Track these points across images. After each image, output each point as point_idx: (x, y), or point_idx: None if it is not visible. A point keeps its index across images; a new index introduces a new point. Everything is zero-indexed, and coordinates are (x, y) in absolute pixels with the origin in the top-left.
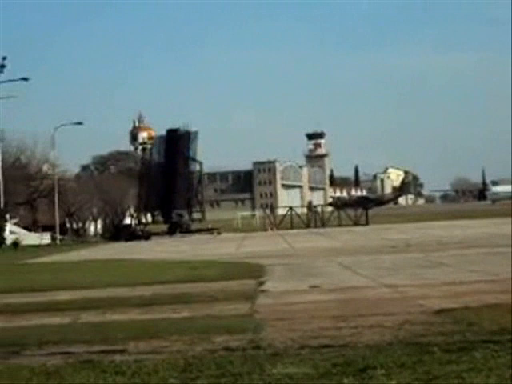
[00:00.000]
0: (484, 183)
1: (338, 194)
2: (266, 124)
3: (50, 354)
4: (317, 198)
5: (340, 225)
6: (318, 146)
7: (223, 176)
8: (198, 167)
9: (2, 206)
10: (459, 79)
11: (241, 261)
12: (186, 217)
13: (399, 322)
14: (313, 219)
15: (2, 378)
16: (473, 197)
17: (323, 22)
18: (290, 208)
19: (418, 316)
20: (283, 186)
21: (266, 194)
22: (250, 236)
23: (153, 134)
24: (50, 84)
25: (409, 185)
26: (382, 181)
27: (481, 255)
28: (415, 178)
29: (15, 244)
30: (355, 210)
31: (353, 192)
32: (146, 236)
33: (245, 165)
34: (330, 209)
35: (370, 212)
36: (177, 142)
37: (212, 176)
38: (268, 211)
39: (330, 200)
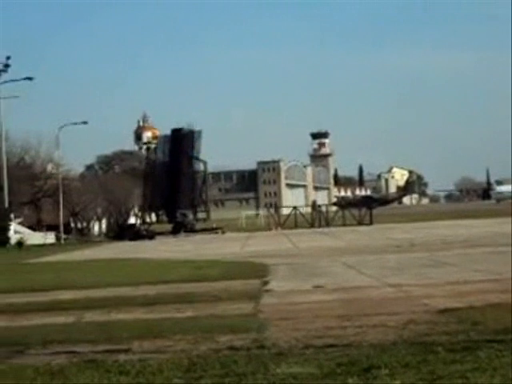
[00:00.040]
0: (488, 183)
1: (342, 193)
2: (271, 123)
3: (54, 354)
4: (321, 198)
5: (344, 224)
6: (322, 145)
7: (227, 175)
8: (202, 167)
9: (6, 205)
10: (462, 78)
11: (245, 260)
12: (191, 216)
13: (403, 322)
14: (317, 219)
15: (7, 378)
16: (477, 196)
17: (324, 22)
18: (295, 207)
19: (423, 315)
20: (287, 185)
21: (270, 194)
22: (254, 235)
23: (157, 133)
24: (54, 84)
25: (413, 184)
26: (387, 180)
27: (485, 254)
28: (420, 177)
29: (19, 243)
30: (359, 210)
31: (357, 191)
32: (151, 235)
33: (249, 164)
34: (334, 208)
35: (375, 211)
36: (181, 142)
37: (216, 175)
38: (272, 211)
39: (335, 199)
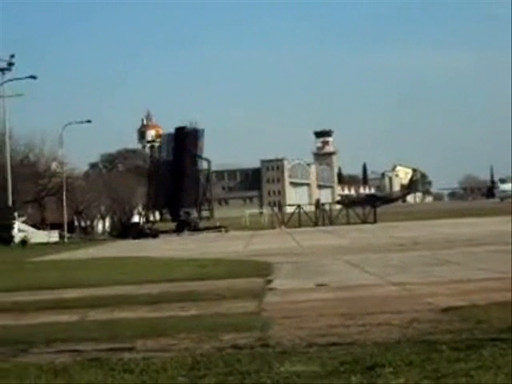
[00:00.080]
0: (492, 181)
1: (346, 191)
2: (274, 122)
3: (58, 352)
4: (325, 196)
5: (348, 223)
6: (325, 143)
7: (231, 174)
8: (206, 165)
9: (10, 204)
10: (462, 78)
11: (248, 259)
12: (194, 215)
13: (407, 320)
14: (321, 217)
15: (11, 376)
16: (481, 195)
17: (324, 22)
18: (298, 206)
19: (426, 314)
20: (291, 183)
21: (273, 192)
22: (257, 234)
23: (161, 131)
24: (58, 83)
25: (417, 183)
26: (390, 179)
27: (489, 253)
28: (423, 175)
29: (23, 242)
30: (363, 208)
31: (361, 190)
32: (154, 234)
33: (253, 162)
34: (338, 207)
35: (378, 210)
36: (184, 140)
37: (220, 174)
38: (276, 209)
39: (338, 198)
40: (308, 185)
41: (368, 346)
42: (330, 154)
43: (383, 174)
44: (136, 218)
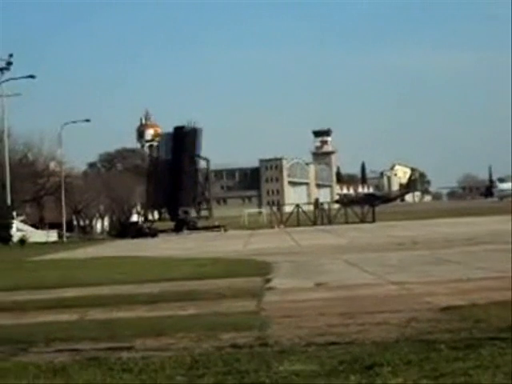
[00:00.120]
0: (491, 180)
1: (344, 191)
2: (273, 122)
3: (57, 351)
4: (323, 196)
5: (347, 222)
6: (324, 143)
7: (230, 173)
8: (204, 164)
9: (9, 203)
10: (462, 78)
11: (247, 258)
12: (193, 214)
13: (406, 320)
14: (319, 216)
15: (10, 376)
16: (480, 194)
17: (324, 22)
18: (297, 205)
19: (425, 313)
20: (290, 183)
21: (272, 191)
22: (256, 233)
23: (159, 131)
24: (56, 82)
25: (416, 182)
26: (389, 178)
27: (488, 252)
28: (422, 175)
29: (22, 241)
30: (362, 208)
31: (359, 189)
32: (153, 233)
33: (251, 162)
34: (336, 206)
35: (377, 209)
36: (183, 140)
37: (219, 173)
38: (275, 208)
39: (337, 197)
40: (307, 184)
41: (367, 346)
42: (329, 153)
43: (382, 174)
44: (135, 218)
